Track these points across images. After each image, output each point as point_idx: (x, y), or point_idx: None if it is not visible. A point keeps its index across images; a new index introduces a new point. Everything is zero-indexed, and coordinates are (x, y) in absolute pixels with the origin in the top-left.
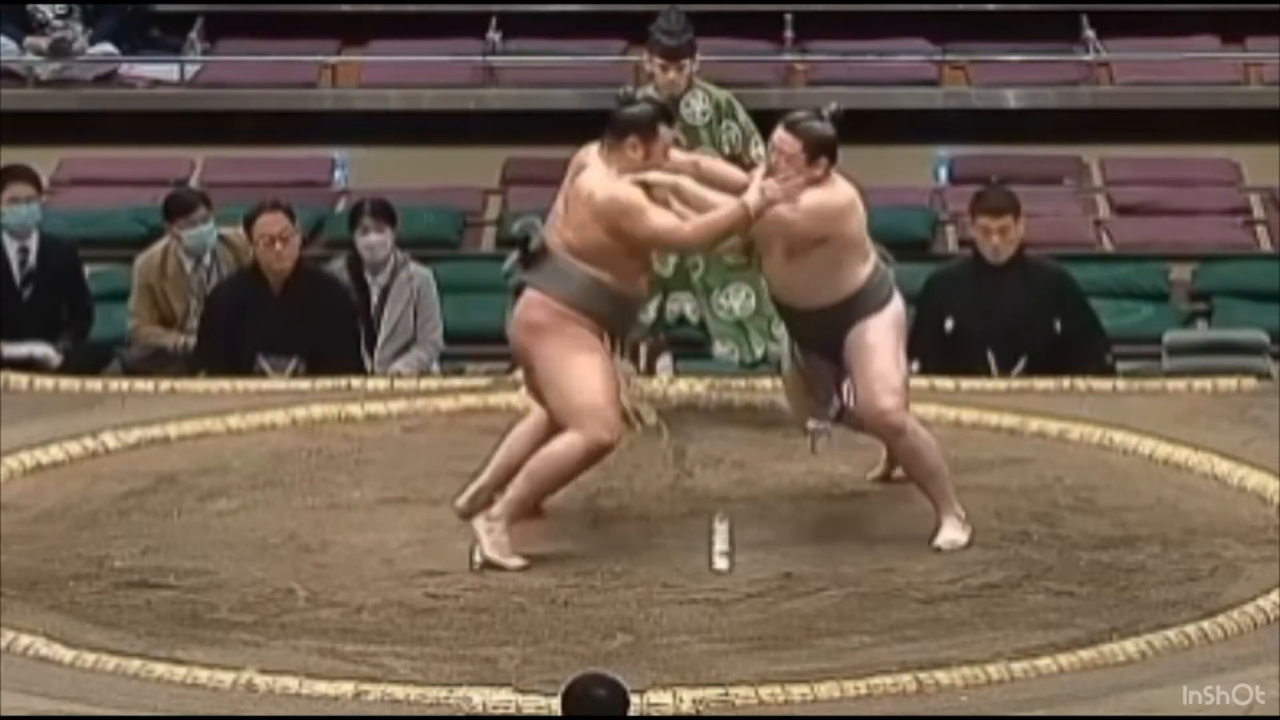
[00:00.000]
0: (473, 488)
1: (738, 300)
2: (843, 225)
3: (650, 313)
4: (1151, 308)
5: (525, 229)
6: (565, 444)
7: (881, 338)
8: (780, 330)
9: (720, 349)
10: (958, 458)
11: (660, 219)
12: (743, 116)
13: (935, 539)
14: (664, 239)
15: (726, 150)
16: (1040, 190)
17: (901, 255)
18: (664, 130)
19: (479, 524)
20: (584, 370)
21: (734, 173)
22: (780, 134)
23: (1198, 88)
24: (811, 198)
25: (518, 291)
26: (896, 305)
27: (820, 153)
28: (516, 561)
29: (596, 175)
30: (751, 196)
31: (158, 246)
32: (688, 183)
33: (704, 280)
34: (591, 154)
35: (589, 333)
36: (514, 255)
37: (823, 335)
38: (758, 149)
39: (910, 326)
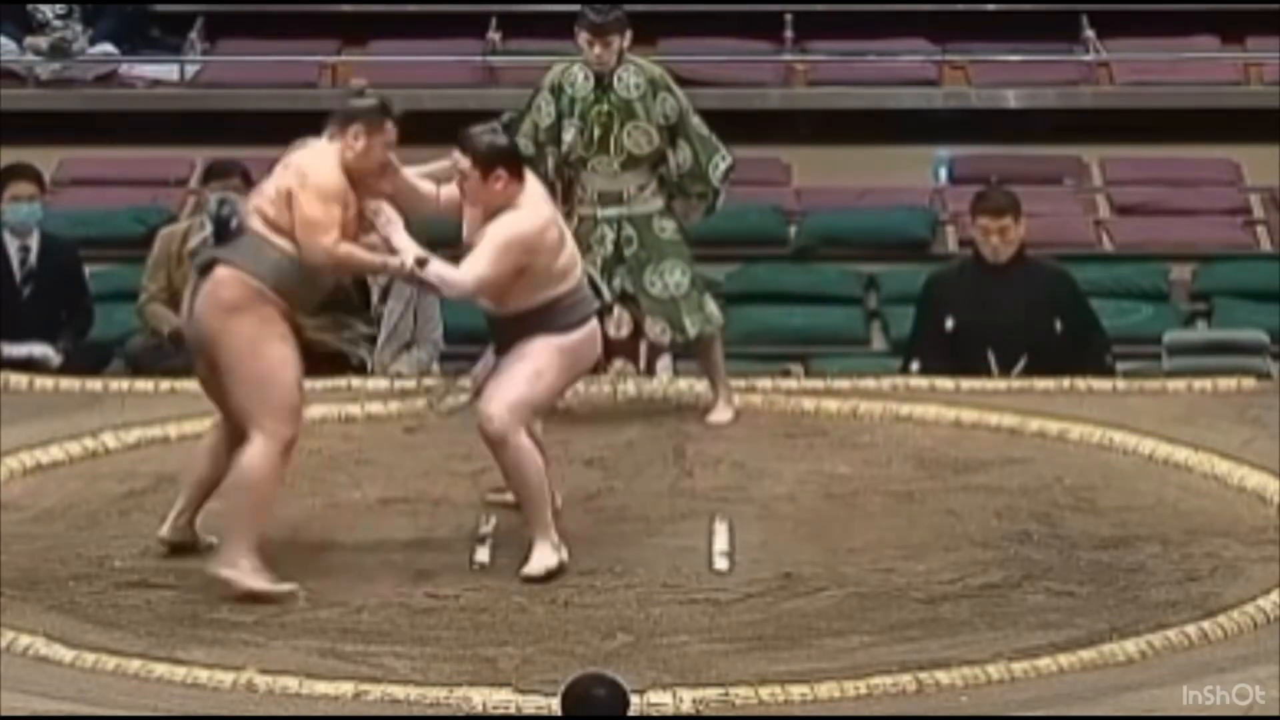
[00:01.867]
0: (171, 515)
1: (672, 277)
2: (532, 256)
3: (605, 291)
4: (1151, 308)
5: (224, 205)
6: (258, 454)
7: (536, 354)
8: (713, 307)
9: (653, 328)
10: (958, 458)
11: (324, 213)
12: (677, 89)
13: (524, 567)
14: (308, 233)
15: (663, 121)
16: (1040, 190)
17: (901, 255)
18: (389, 126)
19: (225, 572)
20: (277, 363)
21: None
22: (455, 152)
23: (1198, 88)
24: (499, 233)
25: (204, 270)
26: (578, 335)
27: (493, 164)
28: (287, 586)
29: (310, 151)
30: (407, 259)
31: (184, 223)
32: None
33: (637, 256)
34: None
35: (279, 316)
36: (204, 231)
37: (504, 340)
38: (694, 118)
39: (910, 326)
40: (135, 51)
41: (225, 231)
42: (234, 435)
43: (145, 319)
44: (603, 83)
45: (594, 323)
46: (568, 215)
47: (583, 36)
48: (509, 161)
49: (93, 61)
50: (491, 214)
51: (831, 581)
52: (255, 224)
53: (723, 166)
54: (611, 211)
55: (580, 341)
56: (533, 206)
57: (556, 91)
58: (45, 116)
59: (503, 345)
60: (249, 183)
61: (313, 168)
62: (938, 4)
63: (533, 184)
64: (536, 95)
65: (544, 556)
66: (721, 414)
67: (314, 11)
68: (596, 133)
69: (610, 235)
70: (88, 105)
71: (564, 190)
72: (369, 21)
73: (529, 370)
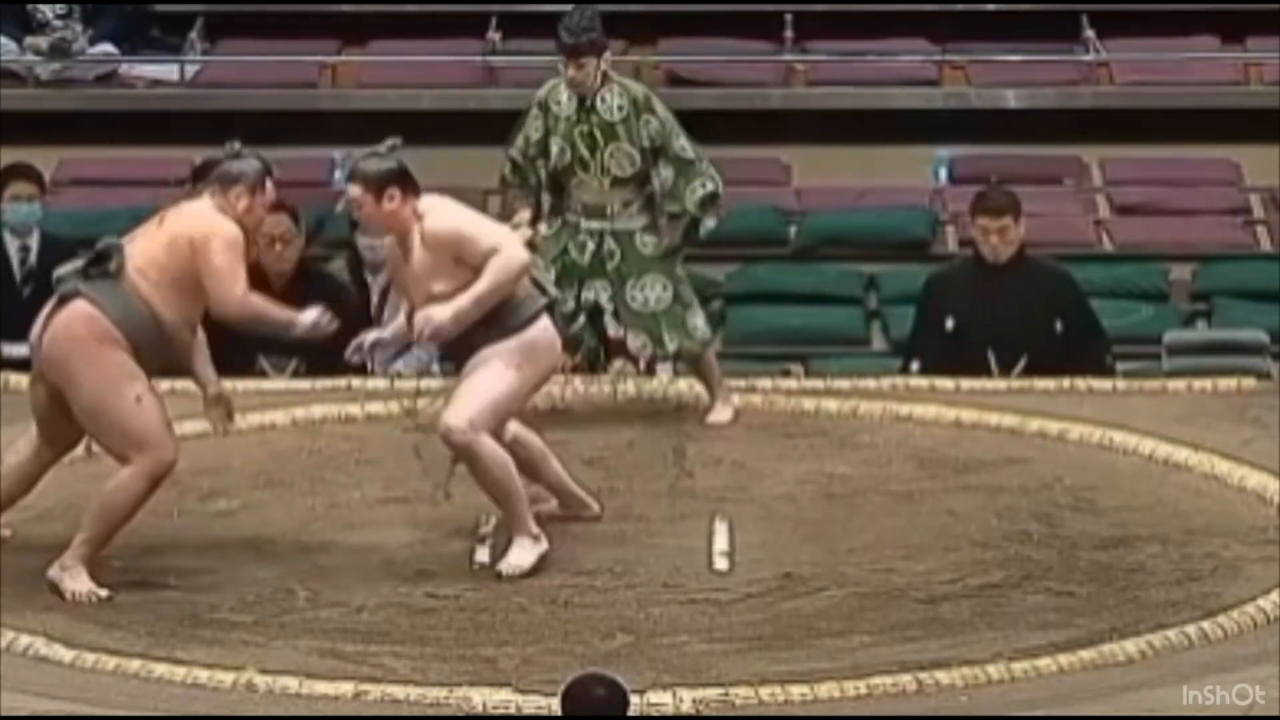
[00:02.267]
0: None
1: (653, 292)
2: (458, 251)
3: (569, 302)
4: (1151, 308)
5: (108, 246)
6: (130, 476)
7: (491, 361)
8: (698, 322)
9: (633, 342)
10: (957, 458)
11: (234, 263)
12: (662, 111)
13: (499, 563)
14: (220, 283)
15: (648, 143)
16: (1040, 190)
17: (901, 255)
18: (269, 186)
19: (54, 572)
20: (137, 396)
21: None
22: (349, 186)
23: (1198, 88)
24: (432, 239)
25: (64, 299)
26: (531, 333)
27: (382, 186)
28: (104, 592)
29: (203, 207)
30: (309, 318)
31: None
32: None
33: (619, 270)
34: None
35: (129, 359)
36: (75, 263)
37: (458, 351)
38: (679, 140)
39: (911, 326)
40: (135, 51)
41: (101, 268)
42: (45, 458)
43: None
44: (585, 103)
45: (545, 319)
46: (561, 227)
47: (560, 58)
48: (398, 179)
49: (93, 61)
50: (401, 237)
51: (831, 581)
52: (132, 274)
53: (701, 192)
54: (595, 224)
55: (534, 339)
56: (446, 211)
57: (544, 108)
58: (45, 116)
59: (457, 356)
60: None
61: (214, 220)
62: (938, 4)
63: (434, 197)
64: (530, 109)
65: (521, 554)
66: (720, 414)
67: (314, 11)
68: (580, 152)
69: (590, 245)
70: (88, 105)
71: (553, 203)
72: (369, 21)
73: (487, 377)
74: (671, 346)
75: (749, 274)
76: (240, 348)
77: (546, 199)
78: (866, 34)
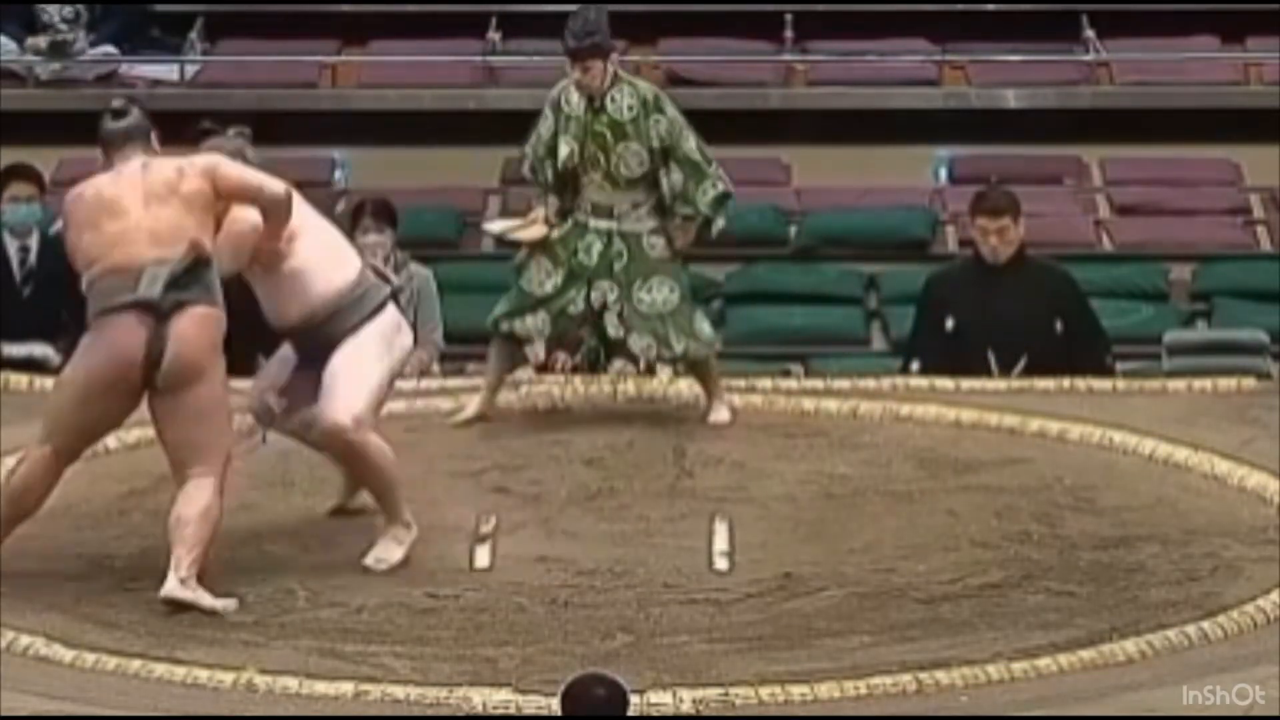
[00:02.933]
0: None
1: (660, 294)
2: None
3: (579, 303)
4: (1151, 308)
5: (188, 261)
6: (206, 489)
7: (350, 358)
8: (704, 325)
9: (638, 343)
10: (958, 458)
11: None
12: (672, 111)
13: (365, 556)
14: (261, 189)
15: (658, 143)
16: (1040, 190)
17: (901, 255)
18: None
19: (179, 592)
20: (230, 411)
21: None
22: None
23: (1198, 88)
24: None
25: (161, 314)
26: (382, 320)
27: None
28: (230, 603)
29: (161, 159)
30: None
31: None
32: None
33: (626, 271)
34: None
35: None
36: (156, 278)
37: (308, 351)
38: (687, 143)
39: (911, 326)
40: (135, 51)
41: (189, 274)
42: (58, 472)
43: None
44: (595, 103)
45: (392, 307)
46: (570, 229)
47: (567, 60)
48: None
49: (93, 61)
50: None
51: (831, 581)
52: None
53: (712, 193)
54: (603, 224)
55: (386, 326)
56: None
57: (556, 107)
58: (45, 116)
59: (307, 356)
60: None
61: (193, 157)
62: (938, 4)
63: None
64: (544, 108)
65: (393, 548)
66: (720, 414)
67: (314, 11)
68: (589, 152)
69: (598, 246)
70: (88, 105)
71: (560, 204)
72: (369, 21)
73: (357, 370)
74: (679, 349)
75: (749, 274)
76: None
77: (554, 201)
78: (866, 34)
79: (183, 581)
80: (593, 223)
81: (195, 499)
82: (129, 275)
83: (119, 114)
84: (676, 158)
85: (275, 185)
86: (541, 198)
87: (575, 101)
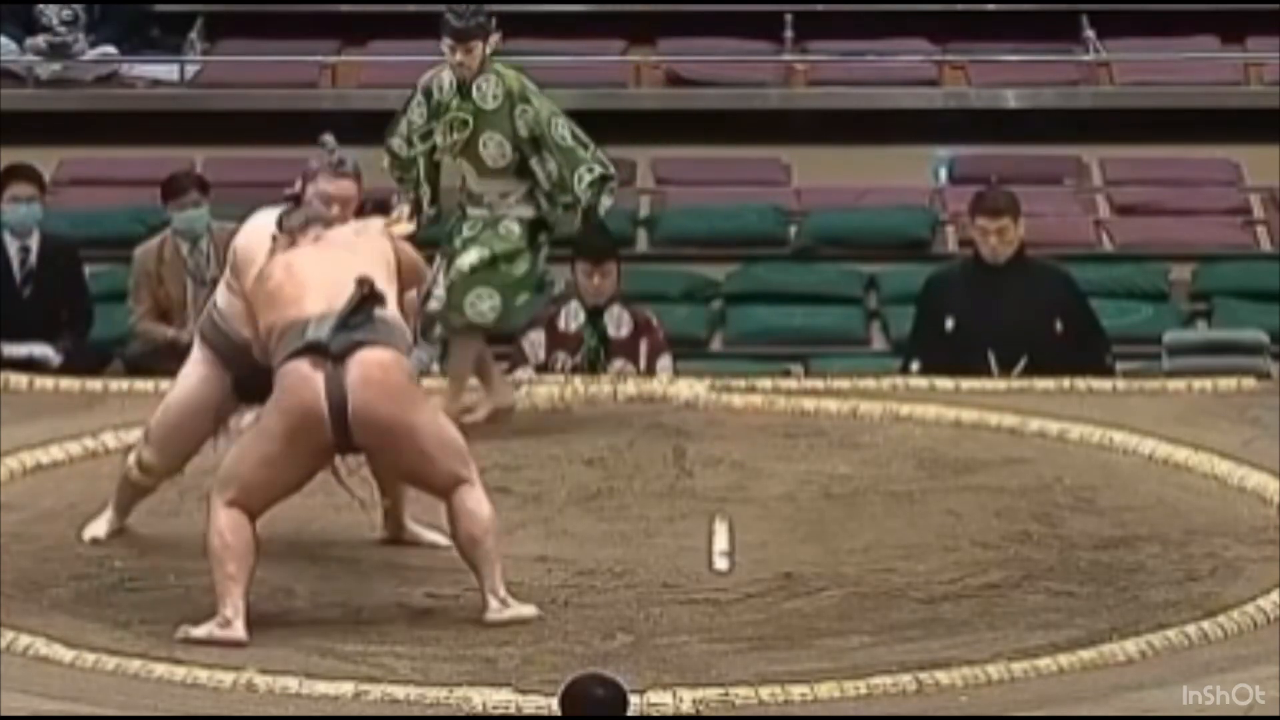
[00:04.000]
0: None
1: (467, 258)
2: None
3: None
4: (1151, 308)
5: (358, 297)
6: (480, 499)
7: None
8: (480, 303)
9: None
10: (958, 458)
11: None
12: (538, 100)
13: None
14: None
15: (525, 133)
16: (1040, 190)
17: (901, 255)
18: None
19: (504, 614)
20: (448, 423)
21: None
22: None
23: (1198, 88)
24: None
25: (338, 357)
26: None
27: None
28: (530, 610)
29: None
30: None
31: (156, 238)
32: None
33: (466, 241)
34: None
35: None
36: (326, 321)
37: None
38: (558, 130)
39: (910, 326)
40: (135, 52)
41: (361, 315)
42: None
43: (141, 336)
44: (463, 89)
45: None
46: (436, 217)
47: (445, 42)
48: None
49: (93, 62)
50: None
51: (831, 581)
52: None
53: (588, 178)
54: (476, 211)
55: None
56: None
57: (427, 94)
58: (45, 116)
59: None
60: (204, 192)
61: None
62: (938, 4)
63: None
64: (412, 97)
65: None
66: (477, 411)
67: (314, 11)
68: (455, 138)
69: (466, 230)
70: (88, 105)
71: (433, 193)
72: (369, 21)
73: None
74: (458, 318)
75: (749, 274)
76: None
77: (427, 191)
78: (866, 34)
79: (502, 601)
80: (471, 211)
81: (475, 513)
82: (302, 325)
83: (294, 201)
84: (548, 146)
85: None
86: (406, 193)
87: (446, 87)
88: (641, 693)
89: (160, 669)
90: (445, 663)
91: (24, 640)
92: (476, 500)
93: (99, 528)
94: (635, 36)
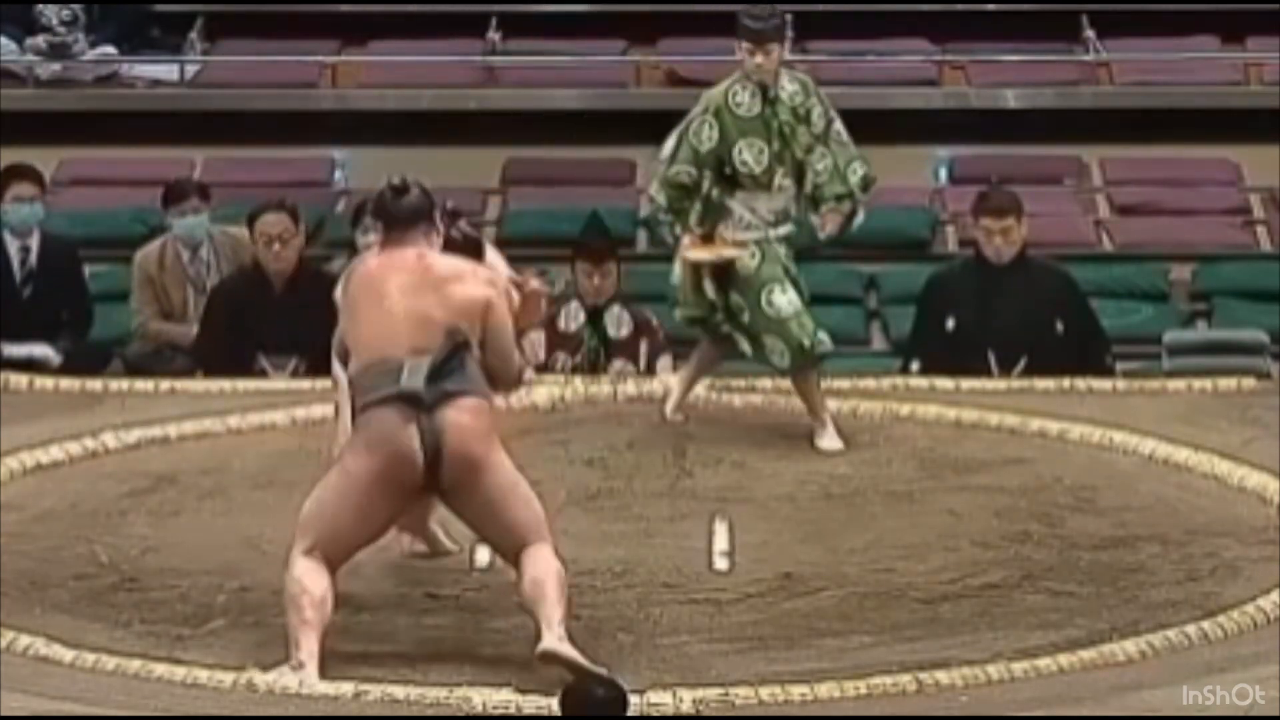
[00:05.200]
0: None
1: (784, 298)
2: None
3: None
4: (1151, 308)
5: (451, 346)
6: (551, 558)
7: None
8: (823, 334)
9: (749, 348)
10: (958, 458)
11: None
12: (822, 94)
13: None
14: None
15: (819, 128)
16: (1040, 190)
17: (901, 255)
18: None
19: (562, 648)
20: (522, 479)
21: None
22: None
23: (1198, 88)
24: None
25: (426, 407)
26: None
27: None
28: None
29: (459, 260)
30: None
31: (157, 241)
32: None
33: (758, 273)
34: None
35: None
36: (422, 367)
37: None
38: (838, 123)
39: (911, 326)
40: (135, 51)
41: (450, 364)
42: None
43: (149, 337)
44: (768, 95)
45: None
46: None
47: (743, 46)
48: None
49: (93, 62)
50: None
51: (831, 581)
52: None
53: (860, 171)
54: (783, 230)
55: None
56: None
57: (719, 113)
58: (45, 116)
59: None
60: (205, 199)
61: (489, 272)
62: (938, 4)
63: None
64: (692, 121)
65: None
66: (829, 440)
67: (314, 11)
68: (775, 147)
69: (785, 251)
70: (88, 105)
71: (702, 212)
72: (369, 21)
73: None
74: (805, 342)
75: None
76: (241, 346)
77: (698, 210)
78: (866, 34)
79: (560, 638)
80: (772, 233)
81: (543, 562)
82: (390, 367)
83: (399, 191)
84: (827, 141)
85: (519, 364)
86: (681, 224)
87: (748, 101)
88: (641, 693)
89: (160, 669)
90: (445, 663)
91: (24, 640)
92: (548, 556)
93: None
94: (635, 36)
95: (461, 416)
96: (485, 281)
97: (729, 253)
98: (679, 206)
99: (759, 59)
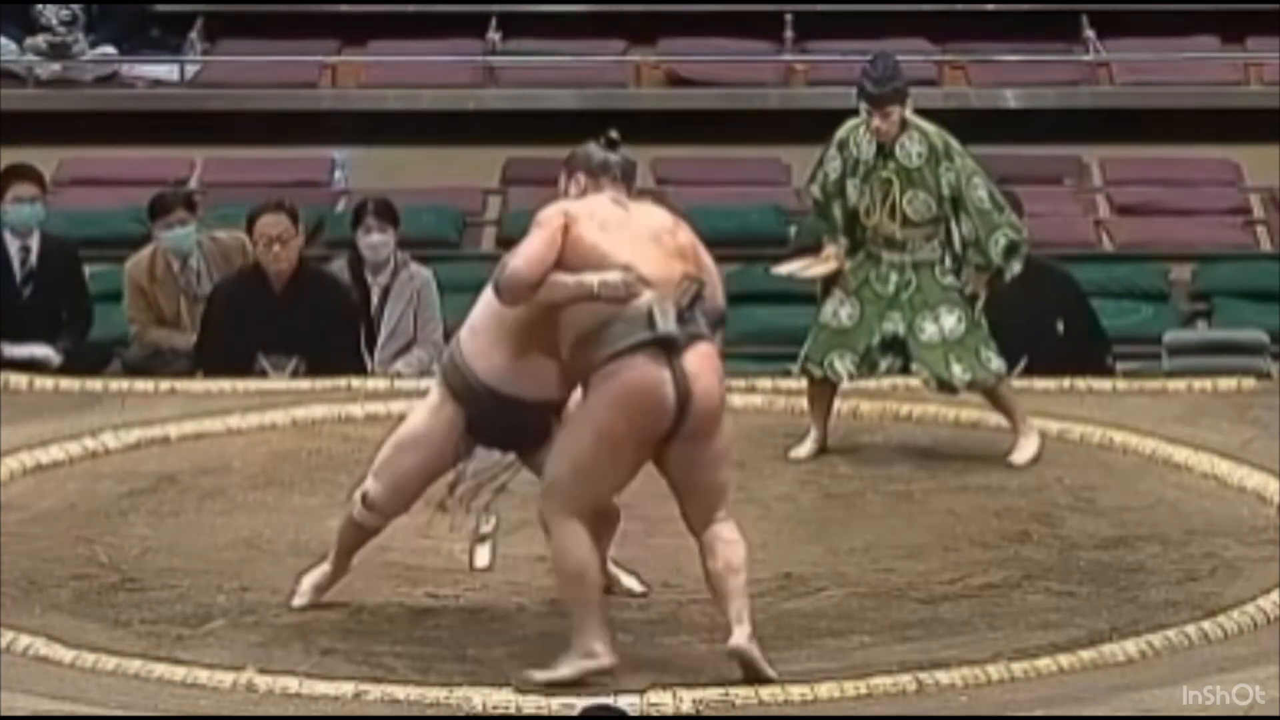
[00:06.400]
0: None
1: (946, 323)
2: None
3: (877, 334)
4: (1151, 308)
5: (688, 291)
6: (736, 531)
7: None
8: (990, 354)
9: (920, 373)
10: (958, 458)
11: None
12: (960, 160)
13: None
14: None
15: (947, 192)
16: (1040, 190)
17: None
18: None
19: (753, 648)
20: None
21: None
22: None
23: (1198, 88)
24: None
25: (676, 350)
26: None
27: (571, 168)
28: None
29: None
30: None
31: (146, 250)
32: None
33: (912, 301)
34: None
35: None
36: (669, 309)
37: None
38: (977, 190)
39: None
40: (135, 52)
41: (693, 308)
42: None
43: (147, 344)
44: (884, 149)
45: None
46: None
47: (862, 105)
48: (584, 167)
49: (93, 62)
50: None
51: (831, 581)
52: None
53: (1003, 242)
54: (895, 257)
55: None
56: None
57: (842, 148)
58: (45, 116)
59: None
60: (191, 210)
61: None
62: (938, 4)
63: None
64: (829, 147)
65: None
66: (1021, 453)
67: (314, 11)
68: (876, 196)
69: (893, 276)
70: (88, 105)
71: (851, 242)
72: (369, 21)
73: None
74: (963, 377)
75: (749, 274)
76: (241, 347)
77: (844, 240)
78: (866, 34)
79: (749, 636)
80: (885, 255)
81: (736, 543)
82: (638, 312)
83: (613, 144)
84: (965, 208)
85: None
86: (831, 234)
87: (864, 145)
88: (641, 693)
89: (160, 669)
90: (445, 663)
91: (24, 640)
92: (736, 534)
93: (315, 578)
94: (635, 36)
95: (705, 366)
96: (689, 231)
97: (812, 271)
98: (823, 214)
99: (877, 122)
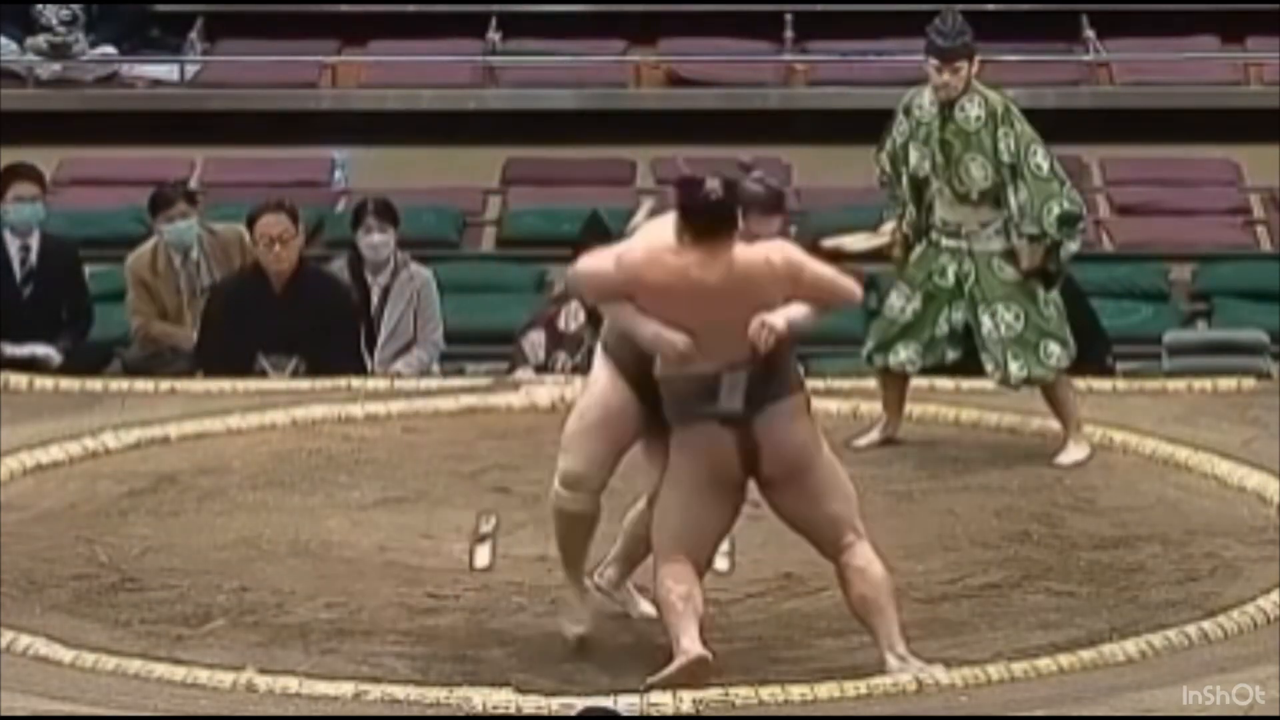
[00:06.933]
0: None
1: (1003, 319)
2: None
3: (943, 326)
4: (1151, 308)
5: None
6: (872, 560)
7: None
8: (1053, 348)
9: (986, 364)
10: (958, 458)
11: None
12: (1020, 125)
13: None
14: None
15: (1006, 158)
16: None
17: None
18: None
19: (904, 670)
20: (840, 467)
21: None
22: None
23: (1198, 88)
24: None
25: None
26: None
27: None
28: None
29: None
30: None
31: (148, 245)
32: None
33: (973, 293)
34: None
35: None
36: (740, 385)
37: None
38: (1035, 157)
39: None
40: (135, 52)
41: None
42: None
43: (151, 340)
44: (945, 110)
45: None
46: (920, 237)
47: (930, 62)
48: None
49: (93, 62)
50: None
51: (831, 581)
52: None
53: (1057, 210)
54: (953, 243)
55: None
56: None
57: (907, 111)
58: (45, 116)
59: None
60: (192, 203)
61: (793, 258)
62: (938, 4)
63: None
64: (894, 115)
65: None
66: (1071, 454)
67: (314, 11)
68: (937, 160)
69: (952, 267)
70: (88, 105)
71: (916, 221)
72: (369, 21)
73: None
74: (1019, 374)
75: None
76: (241, 347)
77: (911, 212)
78: (866, 34)
79: (900, 657)
80: (945, 242)
81: (866, 571)
82: (705, 382)
83: (746, 169)
84: (1023, 175)
85: (843, 283)
86: (894, 210)
87: (927, 106)
88: (642, 693)
89: (160, 669)
90: (445, 663)
91: (24, 640)
92: (867, 558)
93: (581, 615)
94: (635, 36)
95: (776, 424)
96: (785, 263)
97: (861, 245)
98: (893, 192)
99: (945, 76)
